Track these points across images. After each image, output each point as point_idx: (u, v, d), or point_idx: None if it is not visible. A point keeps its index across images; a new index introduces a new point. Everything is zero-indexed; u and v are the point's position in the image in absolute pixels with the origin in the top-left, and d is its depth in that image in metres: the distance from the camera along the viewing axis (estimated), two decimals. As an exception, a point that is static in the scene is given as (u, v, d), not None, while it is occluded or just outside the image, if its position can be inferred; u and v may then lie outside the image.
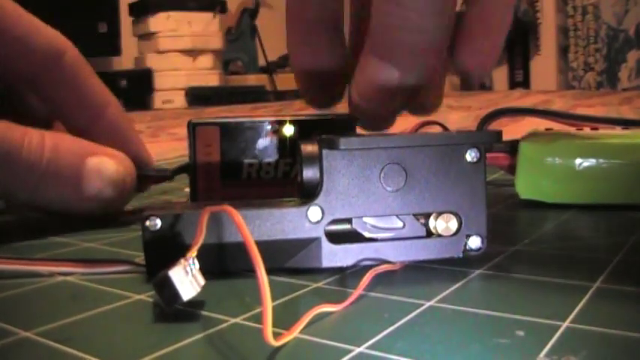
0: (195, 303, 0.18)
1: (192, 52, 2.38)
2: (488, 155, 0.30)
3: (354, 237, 0.21)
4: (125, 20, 2.41)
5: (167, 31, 2.34)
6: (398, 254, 0.21)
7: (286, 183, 0.27)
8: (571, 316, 0.16)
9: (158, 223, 0.20)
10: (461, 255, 0.21)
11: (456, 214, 0.21)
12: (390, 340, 0.15)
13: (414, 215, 0.21)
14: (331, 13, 0.26)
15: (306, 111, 0.31)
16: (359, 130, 0.27)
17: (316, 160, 0.20)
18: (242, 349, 0.15)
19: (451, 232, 0.21)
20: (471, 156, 0.20)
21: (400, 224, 0.21)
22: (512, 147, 0.31)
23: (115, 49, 2.39)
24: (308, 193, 0.21)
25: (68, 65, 0.29)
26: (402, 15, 0.22)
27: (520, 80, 2.67)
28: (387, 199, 0.20)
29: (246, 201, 0.22)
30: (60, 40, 0.29)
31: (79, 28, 2.21)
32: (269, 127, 0.27)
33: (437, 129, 0.31)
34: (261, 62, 2.71)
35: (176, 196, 0.36)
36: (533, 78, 2.64)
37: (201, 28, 2.40)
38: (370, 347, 0.15)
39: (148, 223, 0.20)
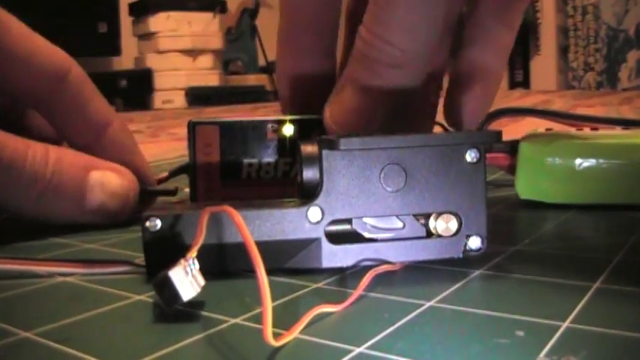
0: (195, 303, 0.18)
1: (192, 52, 2.38)
2: (488, 155, 0.30)
3: (354, 237, 0.21)
4: (125, 20, 2.41)
5: (167, 31, 2.34)
6: (398, 255, 0.21)
7: (286, 183, 0.27)
8: (571, 316, 0.16)
9: (158, 223, 0.20)
10: (461, 255, 0.21)
11: (455, 215, 0.21)
12: (390, 340, 0.15)
13: (414, 215, 0.21)
14: (327, 21, 0.26)
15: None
16: None
17: (316, 160, 0.20)
18: (242, 350, 0.15)
19: (451, 233, 0.21)
20: (470, 156, 0.20)
21: (400, 225, 0.21)
22: (512, 147, 0.31)
23: (115, 49, 2.39)
24: (308, 194, 0.21)
25: (72, 84, 0.29)
26: (388, 51, 0.22)
27: (520, 80, 2.67)
28: (387, 200, 0.20)
29: (246, 201, 0.22)
30: (64, 59, 0.29)
31: (79, 28, 2.23)
32: (269, 126, 0.27)
33: (437, 129, 0.31)
34: (261, 62, 2.71)
35: (176, 196, 0.36)
36: (533, 78, 2.64)
37: (201, 28, 2.40)
38: (370, 347, 0.15)
39: (147, 223, 0.20)
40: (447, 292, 0.18)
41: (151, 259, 0.20)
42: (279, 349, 0.15)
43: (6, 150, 0.25)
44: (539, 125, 0.34)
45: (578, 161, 0.30)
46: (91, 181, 0.27)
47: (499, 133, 0.21)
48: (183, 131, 0.30)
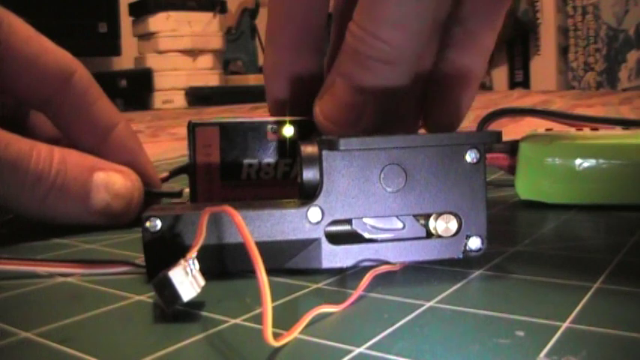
0: (195, 304, 0.18)
1: (192, 52, 2.38)
2: (488, 156, 0.30)
3: (354, 238, 0.21)
4: (125, 20, 2.41)
5: (167, 31, 2.34)
6: (398, 255, 0.21)
7: (286, 183, 0.27)
8: (571, 317, 0.16)
9: (158, 224, 0.20)
10: (461, 256, 0.21)
11: (455, 215, 0.21)
12: (390, 340, 0.15)
13: (414, 216, 0.21)
14: (315, 19, 0.26)
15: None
16: None
17: (316, 161, 0.20)
18: (242, 350, 0.15)
19: (451, 233, 0.21)
20: (470, 157, 0.20)
21: (400, 225, 0.21)
22: (512, 147, 0.31)
23: (115, 49, 2.39)
24: (308, 194, 0.21)
25: (77, 86, 0.29)
26: (375, 45, 0.22)
27: (520, 80, 2.67)
28: (387, 200, 0.20)
29: (246, 202, 0.22)
30: (69, 60, 0.29)
31: (79, 28, 2.23)
32: (269, 127, 0.27)
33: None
34: (261, 62, 2.70)
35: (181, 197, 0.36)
36: (533, 78, 2.64)
37: (201, 28, 2.40)
38: (370, 348, 0.15)
39: (147, 224, 0.20)
40: (447, 292, 0.18)
41: (151, 260, 0.20)
42: (279, 349, 0.15)
43: (11, 150, 0.25)
44: (539, 125, 0.34)
45: (578, 161, 0.30)
46: (95, 182, 0.27)
47: (499, 134, 0.21)
48: (183, 131, 0.30)
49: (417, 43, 0.22)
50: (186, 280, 0.17)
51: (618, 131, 0.32)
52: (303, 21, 0.26)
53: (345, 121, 0.24)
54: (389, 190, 0.20)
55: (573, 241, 0.24)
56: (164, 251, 0.20)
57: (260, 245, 0.16)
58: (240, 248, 0.17)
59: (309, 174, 0.21)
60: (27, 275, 0.21)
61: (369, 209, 0.20)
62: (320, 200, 0.20)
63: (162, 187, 0.32)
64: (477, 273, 0.20)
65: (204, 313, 0.17)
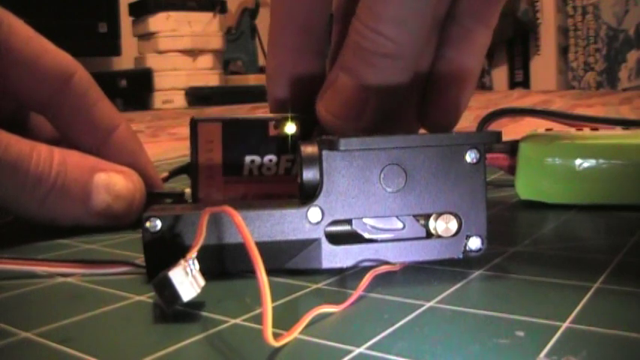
0: (195, 304, 0.18)
1: (192, 52, 2.38)
2: (488, 156, 0.31)
3: (354, 238, 0.21)
4: (125, 20, 2.41)
5: (167, 31, 2.34)
6: (398, 255, 0.21)
7: (288, 179, 0.27)
8: (571, 317, 0.16)
9: (158, 224, 0.20)
10: (461, 256, 0.21)
11: (455, 215, 0.21)
12: (390, 340, 0.15)
13: (414, 216, 0.21)
14: (317, 20, 0.26)
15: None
16: None
17: (316, 161, 0.20)
18: (242, 350, 0.15)
19: (451, 233, 0.21)
20: (470, 157, 0.20)
21: (400, 225, 0.21)
22: (512, 147, 0.31)
23: (115, 49, 2.39)
24: (308, 194, 0.21)
25: (77, 87, 0.29)
26: (378, 41, 0.22)
27: (520, 80, 2.67)
28: (387, 200, 0.20)
29: (246, 202, 0.22)
30: (69, 62, 0.29)
31: (79, 28, 2.23)
32: (271, 124, 0.27)
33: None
34: (262, 62, 2.70)
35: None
36: (533, 78, 2.64)
37: (201, 28, 2.40)
38: (370, 348, 0.15)
39: (148, 224, 0.20)
40: (447, 292, 0.18)
41: (151, 260, 0.20)
42: (279, 349, 0.15)
43: (11, 151, 0.25)
44: (539, 125, 0.34)
45: (578, 162, 0.30)
46: (96, 183, 0.27)
47: (499, 134, 0.21)
48: (183, 131, 0.30)
49: (418, 39, 0.23)
50: (186, 280, 0.17)
51: (618, 131, 0.32)
52: (305, 23, 0.26)
53: (348, 117, 0.24)
54: (389, 190, 0.20)
55: (573, 241, 0.24)
56: (164, 251, 0.20)
57: (260, 245, 0.16)
58: (240, 248, 0.17)
59: (309, 174, 0.21)
60: (27, 275, 0.21)
61: (369, 209, 0.20)
62: (320, 200, 0.20)
63: (164, 188, 0.32)
64: (477, 273, 0.20)
65: (204, 313, 0.17)
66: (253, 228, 0.20)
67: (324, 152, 0.20)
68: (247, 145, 0.27)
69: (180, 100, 2.31)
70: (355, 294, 0.18)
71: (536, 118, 0.36)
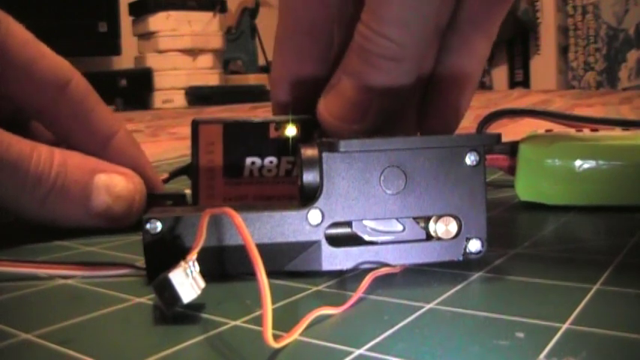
0: (196, 305, 0.18)
1: (192, 52, 2.38)
2: (488, 157, 0.31)
3: (354, 240, 0.21)
4: (125, 20, 2.41)
5: (167, 30, 2.34)
6: (398, 257, 0.21)
7: (288, 181, 0.27)
8: (571, 318, 0.16)
9: (158, 225, 0.20)
10: (461, 258, 0.21)
11: (455, 218, 0.21)
12: (390, 342, 0.15)
13: (414, 218, 0.21)
14: (325, 27, 0.26)
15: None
16: None
17: (316, 163, 0.20)
18: (242, 352, 0.15)
19: (451, 236, 0.21)
20: (470, 159, 0.21)
21: (400, 227, 0.21)
22: (512, 148, 0.31)
23: (115, 49, 2.39)
24: (308, 196, 0.21)
25: (74, 94, 0.28)
26: (382, 44, 0.23)
27: (520, 80, 2.67)
28: (387, 202, 0.20)
29: (247, 204, 0.22)
30: (66, 67, 0.29)
31: (79, 27, 2.23)
32: (272, 125, 0.27)
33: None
34: (261, 62, 2.70)
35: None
36: (533, 78, 2.64)
37: (201, 27, 2.40)
38: (370, 349, 0.15)
39: (148, 226, 0.20)
40: (447, 294, 0.18)
41: (151, 262, 0.20)
42: (279, 350, 0.15)
43: (12, 151, 0.25)
44: (539, 126, 0.34)
45: (578, 163, 0.30)
46: (96, 184, 0.27)
47: (499, 136, 0.21)
48: (183, 131, 0.30)
49: (420, 42, 0.23)
50: (187, 281, 0.17)
51: (618, 132, 0.32)
52: (311, 30, 0.26)
53: (349, 119, 0.24)
54: (389, 192, 0.20)
55: (573, 242, 0.24)
56: (164, 253, 0.20)
57: (260, 247, 0.16)
58: (241, 250, 0.17)
59: (309, 176, 0.21)
60: (27, 277, 0.21)
61: (369, 211, 0.20)
62: (320, 202, 0.20)
63: (164, 190, 0.32)
64: (476, 275, 0.20)
65: (204, 315, 0.17)
66: (253, 230, 0.20)
67: (324, 154, 0.20)
68: (248, 146, 0.27)
69: (180, 99, 2.31)
70: (355, 296, 0.18)
71: (535, 119, 0.36)
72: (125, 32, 2.41)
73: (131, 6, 2.44)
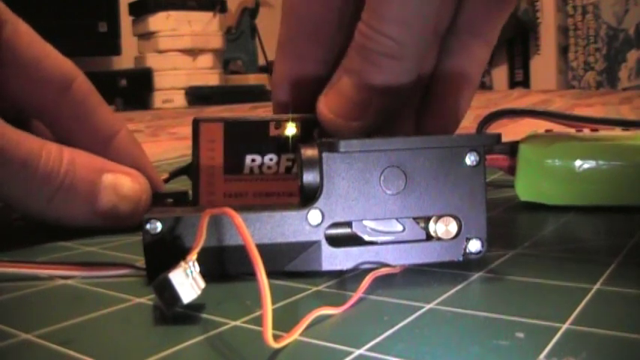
0: (196, 306, 0.18)
1: (192, 52, 2.38)
2: (488, 157, 0.31)
3: (354, 240, 0.21)
4: (125, 20, 2.41)
5: (167, 30, 2.34)
6: (398, 257, 0.21)
7: (288, 178, 0.28)
8: (571, 318, 0.16)
9: (158, 226, 0.20)
10: (461, 258, 0.21)
11: (455, 218, 0.21)
12: (390, 342, 0.15)
13: (414, 218, 0.21)
14: (328, 29, 0.26)
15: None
16: None
17: (316, 163, 0.20)
18: (242, 352, 0.15)
19: (451, 236, 0.21)
20: (470, 159, 0.21)
21: (400, 227, 0.21)
22: (512, 148, 0.31)
23: (115, 49, 2.39)
24: (308, 197, 0.21)
25: (76, 94, 0.29)
26: (384, 42, 0.23)
27: (520, 80, 2.67)
28: (387, 203, 0.20)
29: (247, 204, 0.22)
30: (69, 67, 0.29)
31: (79, 27, 2.23)
32: (272, 124, 0.27)
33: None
34: (261, 62, 2.70)
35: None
36: (533, 78, 2.64)
37: (201, 27, 2.40)
38: (370, 349, 0.15)
39: (148, 226, 0.20)
40: (447, 294, 0.18)
41: (151, 262, 0.20)
42: (279, 351, 0.15)
43: (21, 148, 0.25)
44: (539, 126, 0.34)
45: (578, 163, 0.30)
46: (103, 184, 0.27)
47: (499, 136, 0.21)
48: (183, 130, 0.30)
49: (421, 41, 0.23)
50: (187, 282, 0.17)
51: (618, 132, 0.32)
52: (314, 32, 0.26)
53: (349, 116, 0.24)
54: (389, 192, 0.20)
55: (573, 242, 0.24)
56: (164, 253, 0.20)
57: (260, 247, 0.16)
58: (241, 250, 0.17)
59: (309, 177, 0.21)
60: (27, 277, 0.21)
61: (369, 212, 0.20)
62: (320, 203, 0.20)
63: (166, 189, 0.32)
64: (476, 275, 0.20)
65: (204, 315, 0.17)
66: (253, 230, 0.20)
67: (324, 154, 0.20)
68: (248, 144, 0.27)
69: (180, 99, 2.31)
70: (355, 296, 0.18)
71: (535, 119, 0.36)
72: (125, 32, 2.41)
73: (131, 6, 2.44)
